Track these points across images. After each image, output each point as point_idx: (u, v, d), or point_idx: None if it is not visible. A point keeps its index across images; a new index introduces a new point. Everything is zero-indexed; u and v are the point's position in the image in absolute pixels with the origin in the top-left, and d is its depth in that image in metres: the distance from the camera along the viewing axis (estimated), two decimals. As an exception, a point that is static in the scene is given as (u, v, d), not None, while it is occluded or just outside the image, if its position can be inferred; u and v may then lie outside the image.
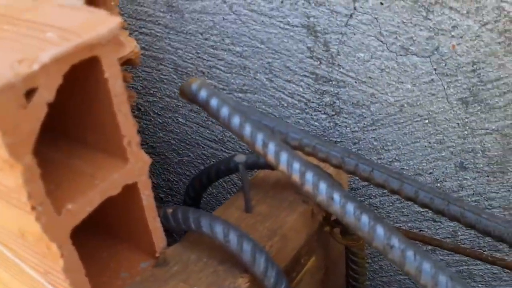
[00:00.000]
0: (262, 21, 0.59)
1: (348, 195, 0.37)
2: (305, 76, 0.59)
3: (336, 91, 0.58)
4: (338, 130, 0.61)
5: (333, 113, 0.60)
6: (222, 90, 0.68)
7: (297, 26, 0.56)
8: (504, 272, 0.60)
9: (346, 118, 0.59)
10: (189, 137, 0.77)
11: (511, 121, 0.49)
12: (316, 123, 0.62)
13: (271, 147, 0.39)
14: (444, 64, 0.49)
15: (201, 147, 0.77)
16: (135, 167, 0.40)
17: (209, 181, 0.52)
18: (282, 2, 0.56)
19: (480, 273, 0.61)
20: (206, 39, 0.65)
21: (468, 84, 0.49)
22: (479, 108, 0.50)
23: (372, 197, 0.63)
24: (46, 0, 0.37)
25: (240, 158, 0.46)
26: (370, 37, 0.52)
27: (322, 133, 0.62)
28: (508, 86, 0.47)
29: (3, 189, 0.33)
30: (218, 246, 0.45)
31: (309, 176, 0.37)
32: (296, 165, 0.38)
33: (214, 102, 0.41)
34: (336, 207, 0.36)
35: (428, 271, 0.33)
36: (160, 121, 0.79)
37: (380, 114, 0.56)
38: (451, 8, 0.46)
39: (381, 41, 0.51)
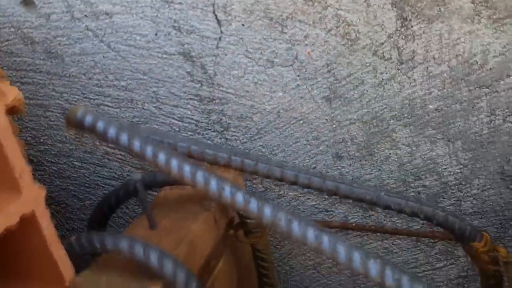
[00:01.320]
0: (141, 53, 0.63)
1: (236, 186, 0.41)
2: (190, 99, 0.64)
3: (220, 108, 0.63)
4: (229, 144, 0.66)
5: (222, 129, 0.65)
6: (113, 126, 0.70)
7: (174, 54, 0.61)
8: (394, 245, 0.67)
9: (234, 131, 0.65)
10: (88, 179, 0.77)
11: (367, 109, 0.57)
12: (208, 141, 0.67)
13: (161, 156, 0.42)
14: (304, 70, 0.57)
15: (101, 187, 0.77)
16: (29, 198, 0.41)
17: (110, 211, 0.54)
18: (156, 34, 0.60)
19: (374, 250, 0.68)
20: (89, 78, 0.67)
21: (327, 84, 0.57)
22: (340, 102, 0.58)
23: (270, 200, 0.68)
24: None
25: (137, 176, 0.49)
26: (239, 55, 0.58)
27: (214, 150, 0.67)
28: (358, 80, 0.55)
29: None
30: (126, 263, 0.47)
31: (200, 175, 0.41)
32: (187, 168, 0.42)
33: (100, 124, 0.44)
34: (227, 196, 0.41)
35: (312, 235, 0.39)
36: (55, 168, 0.78)
37: (262, 122, 0.62)
38: (300, 21, 0.53)
39: (250, 57, 0.58)
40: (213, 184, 0.41)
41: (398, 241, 0.67)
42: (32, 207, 0.41)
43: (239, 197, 0.41)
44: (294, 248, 0.72)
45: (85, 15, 0.62)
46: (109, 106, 0.69)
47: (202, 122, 0.66)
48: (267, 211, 0.40)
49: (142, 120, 0.69)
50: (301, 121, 0.61)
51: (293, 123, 0.61)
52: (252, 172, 0.47)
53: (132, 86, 0.66)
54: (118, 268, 0.47)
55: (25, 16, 0.65)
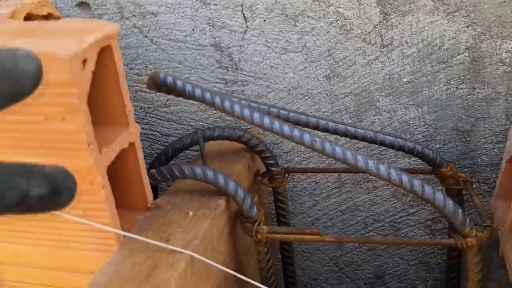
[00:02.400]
0: (178, 46, 0.79)
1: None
2: (217, 82, 0.80)
3: (241, 89, 0.80)
4: (245, 123, 0.82)
5: (241, 106, 0.81)
6: (147, 108, 0.85)
7: (206, 46, 0.78)
8: (377, 197, 0.85)
9: (251, 108, 0.81)
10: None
11: (358, 84, 0.76)
12: (230, 118, 0.83)
13: (226, 102, 0.59)
14: (311, 55, 0.75)
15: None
16: (133, 130, 0.56)
17: (173, 155, 0.69)
18: (193, 29, 0.77)
19: (362, 202, 0.86)
20: (131, 68, 0.82)
21: (327, 65, 0.75)
22: (337, 79, 0.76)
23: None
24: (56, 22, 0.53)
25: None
26: (260, 45, 0.76)
27: (235, 124, 0.83)
28: (351, 61, 0.74)
29: (61, 137, 0.47)
30: (194, 189, 0.62)
31: (246, 111, 0.58)
32: (246, 110, 0.58)
33: (179, 82, 0.60)
34: (277, 127, 0.57)
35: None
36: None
37: (275, 99, 0.80)
38: (308, 16, 0.72)
39: (268, 46, 0.76)
40: (267, 120, 0.58)
41: (380, 193, 0.85)
42: (134, 138, 0.56)
43: (285, 127, 0.57)
44: (313, 242, 0.88)
45: (134, 15, 0.78)
46: (146, 92, 0.84)
47: (225, 101, 0.82)
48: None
49: (174, 103, 0.84)
50: (307, 96, 0.79)
51: (300, 99, 0.79)
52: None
53: (169, 73, 0.81)
54: (187, 193, 0.62)
55: (80, 17, 0.80)
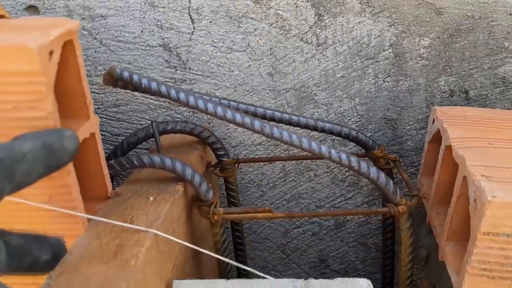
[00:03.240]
0: (128, 47, 0.83)
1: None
2: (166, 81, 0.85)
3: (190, 87, 0.85)
4: (196, 115, 0.87)
5: (190, 104, 0.86)
6: (97, 108, 0.87)
7: (155, 46, 0.82)
8: (317, 184, 0.93)
9: (199, 105, 0.86)
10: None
11: (297, 80, 0.83)
12: (180, 116, 0.87)
13: (181, 94, 0.63)
14: (255, 53, 0.82)
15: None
16: (93, 122, 0.59)
17: (128, 148, 0.72)
18: (142, 31, 0.81)
19: (304, 190, 0.93)
20: (81, 70, 0.84)
21: (270, 63, 0.82)
22: (278, 76, 0.83)
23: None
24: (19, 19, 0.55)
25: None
26: (207, 45, 0.82)
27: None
28: (291, 59, 0.82)
29: (29, 124, 0.49)
30: (152, 178, 0.66)
31: (191, 97, 0.63)
32: (200, 100, 0.63)
33: (135, 77, 0.64)
34: (220, 112, 0.63)
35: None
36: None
37: (222, 96, 0.85)
38: (251, 18, 0.79)
39: (214, 46, 0.82)
40: (202, 103, 0.63)
41: (321, 180, 0.92)
42: (94, 129, 0.59)
43: (229, 113, 0.63)
44: (262, 231, 0.94)
45: (83, 18, 0.81)
46: (96, 92, 0.86)
47: (174, 100, 0.86)
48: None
49: (124, 102, 0.87)
50: (252, 93, 0.85)
51: (245, 95, 0.85)
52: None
53: (119, 73, 0.84)
54: (145, 181, 0.66)
55: (28, 20, 0.81)
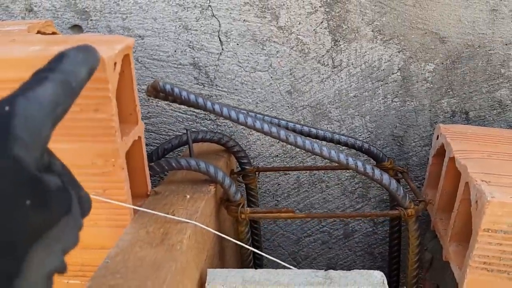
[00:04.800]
0: (161, 65, 0.91)
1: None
2: (194, 96, 0.93)
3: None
4: (220, 129, 0.95)
5: (215, 117, 0.95)
6: (130, 120, 0.95)
7: (186, 65, 0.91)
8: (329, 195, 1.00)
9: (223, 120, 0.95)
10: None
11: (313, 98, 0.92)
12: (204, 128, 0.95)
13: (216, 106, 0.72)
14: (275, 73, 0.90)
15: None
16: (140, 127, 0.67)
17: (163, 154, 0.80)
18: (175, 51, 0.90)
19: (316, 201, 1.00)
20: (117, 84, 0.93)
21: (289, 82, 0.91)
22: (296, 94, 0.92)
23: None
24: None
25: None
26: (233, 65, 0.90)
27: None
28: (308, 79, 0.90)
29: (93, 125, 0.57)
30: (186, 180, 0.74)
31: (225, 109, 0.71)
32: (232, 111, 0.71)
33: (176, 90, 0.72)
34: (252, 123, 0.71)
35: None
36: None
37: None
38: (274, 41, 0.88)
39: (240, 66, 0.90)
40: (225, 110, 0.71)
41: (332, 191, 1.00)
42: (141, 133, 0.67)
43: (257, 123, 0.71)
44: (275, 239, 1.01)
45: (122, 37, 0.90)
46: (129, 105, 0.95)
47: (200, 113, 0.95)
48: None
49: (154, 114, 0.95)
50: (271, 108, 0.93)
51: (266, 110, 0.93)
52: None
53: (152, 88, 0.93)
54: (180, 183, 0.73)
55: (72, 37, 0.90)
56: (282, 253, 1.07)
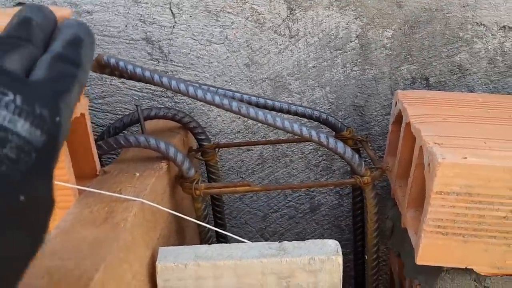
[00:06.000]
0: (113, 41, 0.88)
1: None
2: (149, 73, 0.90)
3: (171, 78, 0.90)
4: (179, 106, 0.92)
5: (172, 94, 0.92)
6: (84, 100, 0.92)
7: (138, 40, 0.88)
8: (293, 169, 0.99)
9: (181, 96, 0.92)
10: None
11: (272, 71, 0.89)
12: (161, 105, 0.92)
13: (164, 78, 0.69)
14: (232, 45, 0.88)
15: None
16: (83, 102, 0.64)
17: (115, 133, 0.77)
18: (126, 26, 0.87)
19: (281, 176, 0.99)
20: (67, 63, 0.89)
21: (246, 54, 0.88)
22: (255, 67, 0.89)
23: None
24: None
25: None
26: (187, 38, 0.87)
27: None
28: (266, 50, 0.88)
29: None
30: (137, 158, 0.71)
31: (182, 85, 0.69)
32: (173, 81, 0.69)
33: (121, 63, 0.69)
34: (176, 88, 0.68)
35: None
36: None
37: (202, 86, 0.91)
38: (228, 12, 0.85)
39: (194, 39, 0.87)
40: (182, 85, 0.69)
41: (296, 165, 0.98)
42: (84, 110, 0.64)
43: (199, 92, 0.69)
44: (241, 216, 0.99)
45: (70, 13, 0.86)
46: (82, 84, 0.91)
47: (157, 91, 0.92)
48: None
49: (109, 93, 0.92)
50: (230, 83, 0.91)
51: (224, 85, 0.91)
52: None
53: (104, 65, 0.89)
54: (131, 161, 0.71)
55: (17, 15, 0.86)
56: (250, 231, 1.05)
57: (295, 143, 0.95)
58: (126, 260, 0.53)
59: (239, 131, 0.95)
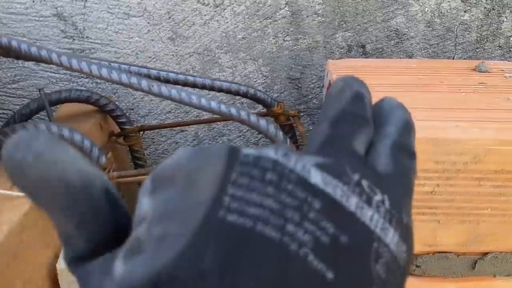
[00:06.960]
0: (20, 19, 0.80)
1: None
2: (64, 52, 0.82)
3: (90, 57, 0.83)
4: (100, 87, 0.85)
5: (92, 74, 0.84)
6: (-5, 86, 0.84)
7: (49, 16, 0.80)
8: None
9: (102, 76, 0.84)
10: None
11: (199, 44, 0.83)
12: (82, 87, 0.85)
13: (63, 57, 0.62)
14: (152, 18, 0.80)
15: None
16: None
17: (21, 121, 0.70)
18: (33, 1, 0.78)
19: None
20: (-28, 45, 0.81)
21: (169, 27, 0.81)
22: (180, 40, 0.83)
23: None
24: None
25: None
26: (102, 12, 0.80)
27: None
28: (190, 22, 0.81)
29: None
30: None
31: (74, 60, 0.62)
32: (73, 59, 0.62)
33: (14, 42, 0.61)
34: (77, 67, 0.62)
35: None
36: None
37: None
38: (145, -18, 0.78)
39: (110, 12, 0.80)
40: (83, 64, 0.62)
41: (234, 144, 0.93)
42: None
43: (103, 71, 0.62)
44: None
45: (-33, -11, 0.77)
46: (-9, 68, 0.83)
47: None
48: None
49: (23, 77, 0.84)
50: (154, 59, 0.84)
51: (148, 62, 0.84)
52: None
53: (13, 46, 0.81)
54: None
55: None
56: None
57: (231, 122, 0.90)
58: (11, 266, 0.48)
59: (169, 111, 0.89)
